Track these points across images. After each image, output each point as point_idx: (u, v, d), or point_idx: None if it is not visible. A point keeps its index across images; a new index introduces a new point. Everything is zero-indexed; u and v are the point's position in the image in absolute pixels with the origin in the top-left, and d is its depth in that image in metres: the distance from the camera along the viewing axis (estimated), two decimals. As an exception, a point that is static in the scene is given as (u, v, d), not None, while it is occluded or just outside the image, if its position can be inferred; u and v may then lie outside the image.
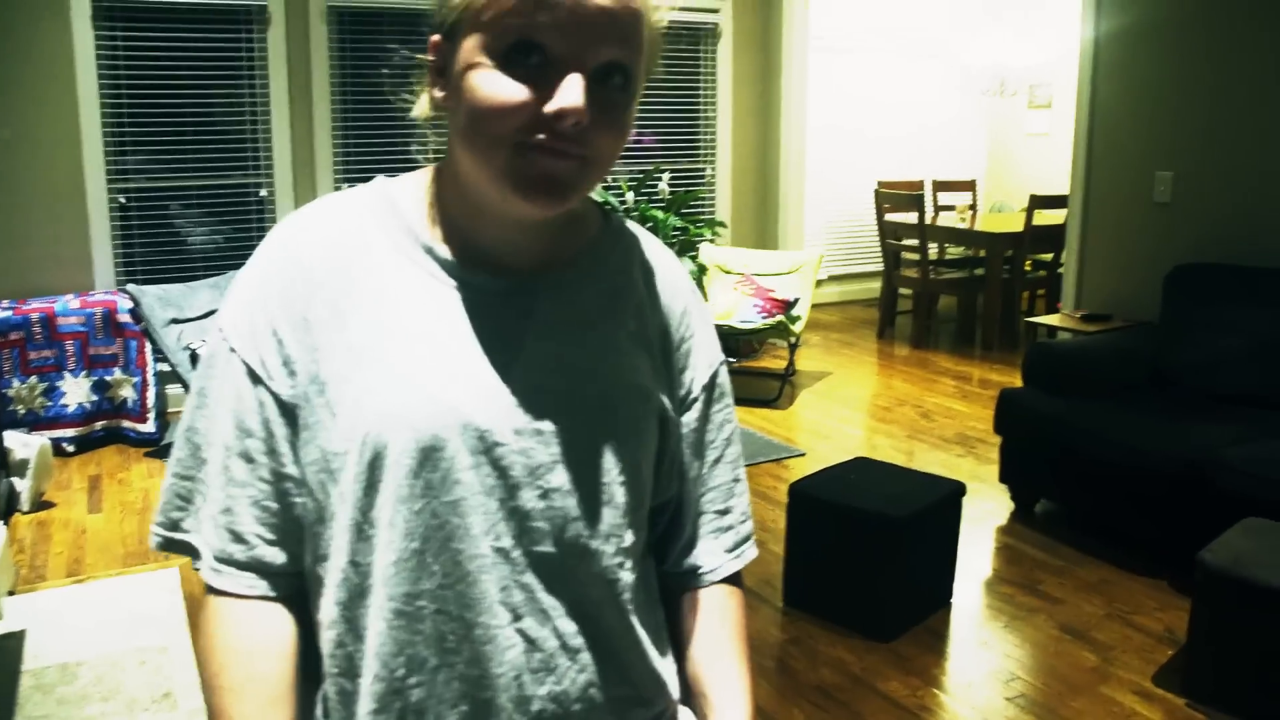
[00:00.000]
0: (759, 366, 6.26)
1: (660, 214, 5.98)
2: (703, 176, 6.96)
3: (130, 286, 4.68)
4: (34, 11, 4.86)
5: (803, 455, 4.66)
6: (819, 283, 6.37)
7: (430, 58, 0.90)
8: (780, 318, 5.45)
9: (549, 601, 0.90)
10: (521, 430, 0.89)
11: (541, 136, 0.83)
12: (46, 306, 4.67)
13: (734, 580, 1.09)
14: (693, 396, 1.03)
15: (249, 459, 0.90)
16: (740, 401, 5.42)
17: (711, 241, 6.34)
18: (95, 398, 4.75)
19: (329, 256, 0.91)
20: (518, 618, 0.89)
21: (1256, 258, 4.05)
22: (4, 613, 3.06)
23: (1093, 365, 4.02)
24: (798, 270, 5.81)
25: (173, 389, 5.08)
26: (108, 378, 4.76)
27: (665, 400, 0.99)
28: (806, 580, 3.24)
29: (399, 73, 0.97)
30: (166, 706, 2.62)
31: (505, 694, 0.89)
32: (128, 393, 4.80)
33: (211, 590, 0.92)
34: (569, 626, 0.91)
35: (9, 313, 4.58)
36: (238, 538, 0.90)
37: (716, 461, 1.06)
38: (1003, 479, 4.05)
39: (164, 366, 4.82)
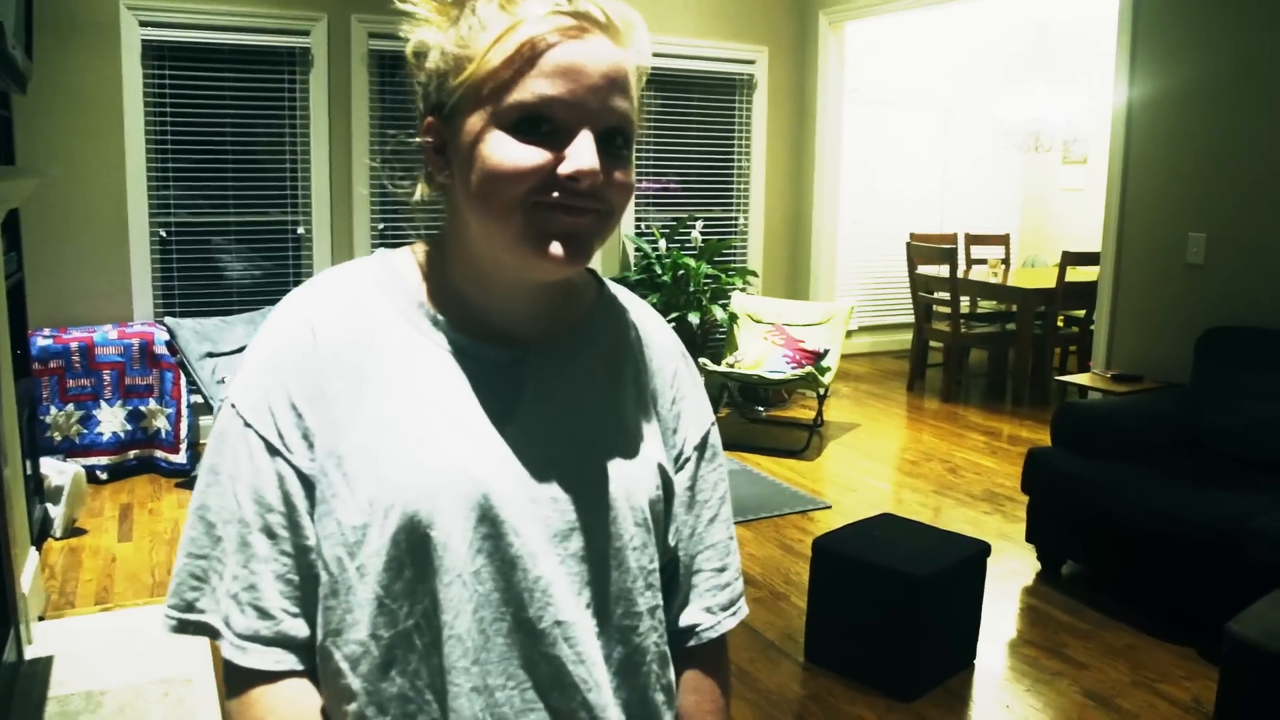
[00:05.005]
0: (787, 416, 6.26)
1: (692, 262, 6.03)
2: (735, 225, 7.01)
3: (168, 319, 4.77)
4: (87, 50, 5.00)
5: (828, 508, 4.65)
6: (849, 333, 6.38)
7: (428, 139, 0.93)
8: (810, 369, 5.45)
9: (578, 673, 0.91)
10: (538, 498, 0.90)
11: (556, 195, 0.86)
12: (86, 336, 4.75)
13: (722, 642, 1.09)
14: (685, 456, 1.05)
15: (270, 534, 0.89)
16: (768, 451, 5.47)
17: (743, 290, 6.37)
18: (130, 427, 4.82)
19: (342, 329, 0.92)
20: (544, 691, 0.90)
21: (1291, 323, 4.03)
22: (33, 638, 3.10)
23: (1122, 427, 3.99)
24: (828, 321, 5.82)
25: (205, 420, 5.13)
26: (142, 408, 4.83)
27: (665, 460, 1.01)
28: (829, 636, 3.22)
29: (393, 157, 0.99)
30: (187, 740, 2.64)
31: None
32: (161, 423, 4.86)
33: (236, 671, 0.90)
34: (599, 699, 0.92)
35: (49, 341, 4.67)
36: (263, 614, 0.89)
37: (712, 520, 1.07)
38: (1029, 538, 4.02)
39: (198, 399, 4.89)
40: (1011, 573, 3.95)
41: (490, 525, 0.88)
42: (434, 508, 0.87)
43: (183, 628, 0.92)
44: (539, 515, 0.90)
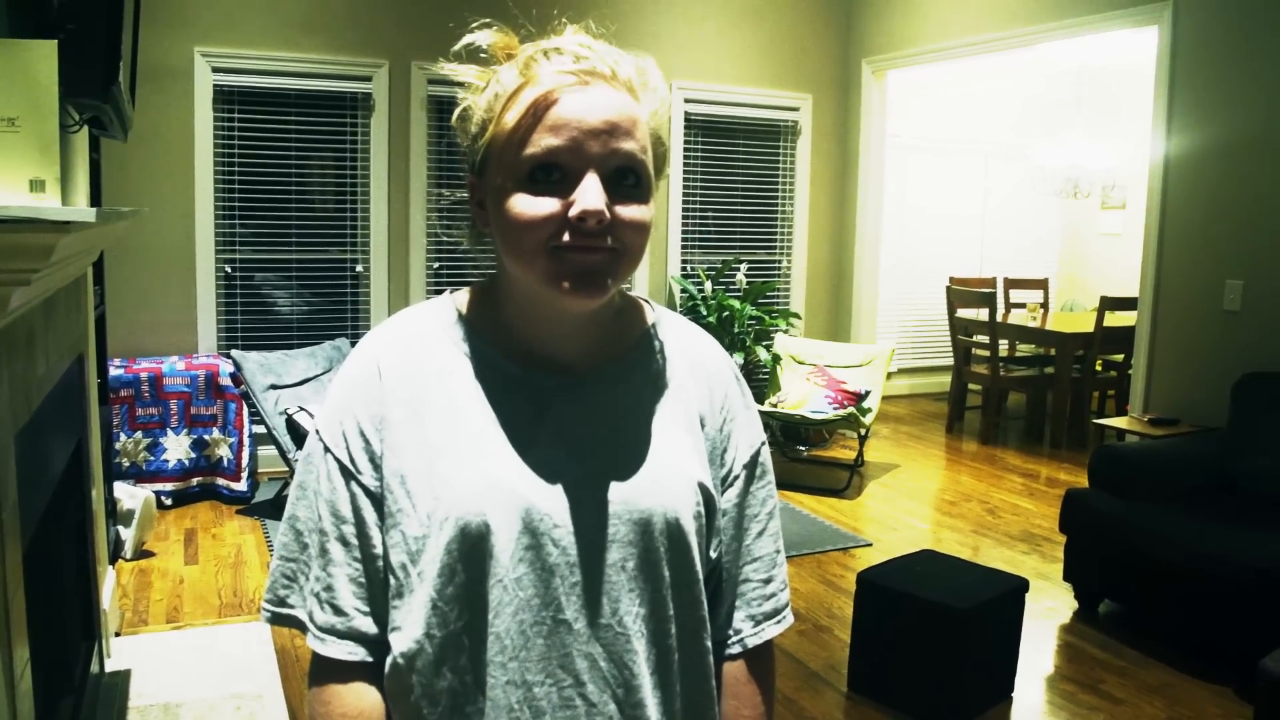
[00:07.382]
0: (828, 456, 6.37)
1: (737, 304, 6.18)
2: (779, 268, 7.15)
3: (234, 352, 4.96)
4: (163, 95, 5.25)
5: (869, 545, 4.75)
6: (890, 375, 6.49)
7: (468, 195, 1.06)
8: (851, 409, 5.57)
9: (614, 672, 1.00)
10: (577, 511, 1.00)
11: (568, 238, 0.95)
12: (155, 367, 4.96)
13: (766, 650, 1.17)
14: (734, 475, 1.12)
15: (345, 542, 1.03)
16: (809, 490, 5.58)
17: (786, 332, 6.50)
18: (194, 455, 5.01)
19: (404, 364, 1.04)
20: (581, 687, 1.00)
21: (1327, 371, 4.10)
22: (111, 652, 3.27)
23: (1159, 469, 4.08)
24: (870, 363, 5.94)
25: (265, 450, 5.32)
26: (206, 437, 5.02)
27: (707, 478, 1.08)
28: (871, 667, 3.32)
29: (445, 212, 1.12)
30: (261, 751, 2.78)
31: None
32: (224, 452, 5.05)
33: (317, 660, 1.04)
34: (635, 696, 1.01)
35: (121, 371, 4.88)
36: (338, 611, 1.03)
37: (760, 534, 1.14)
38: (1066, 577, 4.10)
39: (259, 429, 5.07)
40: (1049, 611, 4.03)
41: (531, 536, 0.99)
42: (481, 520, 0.98)
43: (275, 619, 1.07)
44: (577, 527, 1.00)
